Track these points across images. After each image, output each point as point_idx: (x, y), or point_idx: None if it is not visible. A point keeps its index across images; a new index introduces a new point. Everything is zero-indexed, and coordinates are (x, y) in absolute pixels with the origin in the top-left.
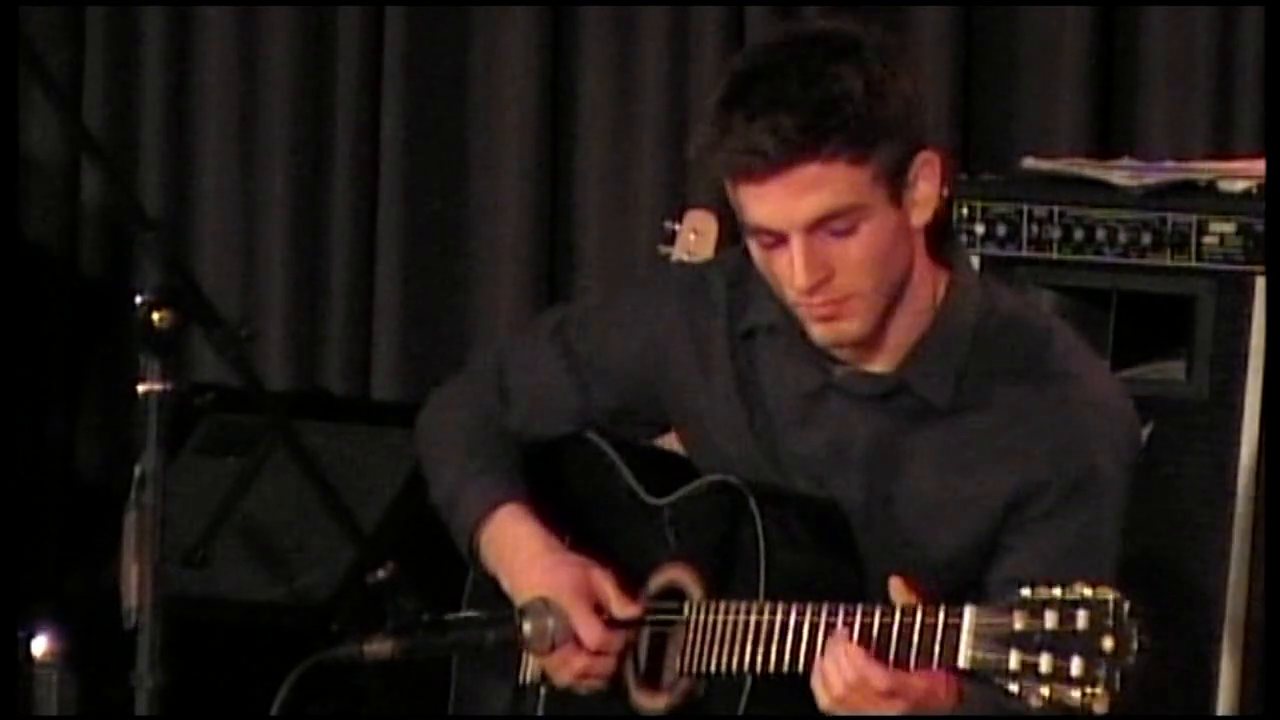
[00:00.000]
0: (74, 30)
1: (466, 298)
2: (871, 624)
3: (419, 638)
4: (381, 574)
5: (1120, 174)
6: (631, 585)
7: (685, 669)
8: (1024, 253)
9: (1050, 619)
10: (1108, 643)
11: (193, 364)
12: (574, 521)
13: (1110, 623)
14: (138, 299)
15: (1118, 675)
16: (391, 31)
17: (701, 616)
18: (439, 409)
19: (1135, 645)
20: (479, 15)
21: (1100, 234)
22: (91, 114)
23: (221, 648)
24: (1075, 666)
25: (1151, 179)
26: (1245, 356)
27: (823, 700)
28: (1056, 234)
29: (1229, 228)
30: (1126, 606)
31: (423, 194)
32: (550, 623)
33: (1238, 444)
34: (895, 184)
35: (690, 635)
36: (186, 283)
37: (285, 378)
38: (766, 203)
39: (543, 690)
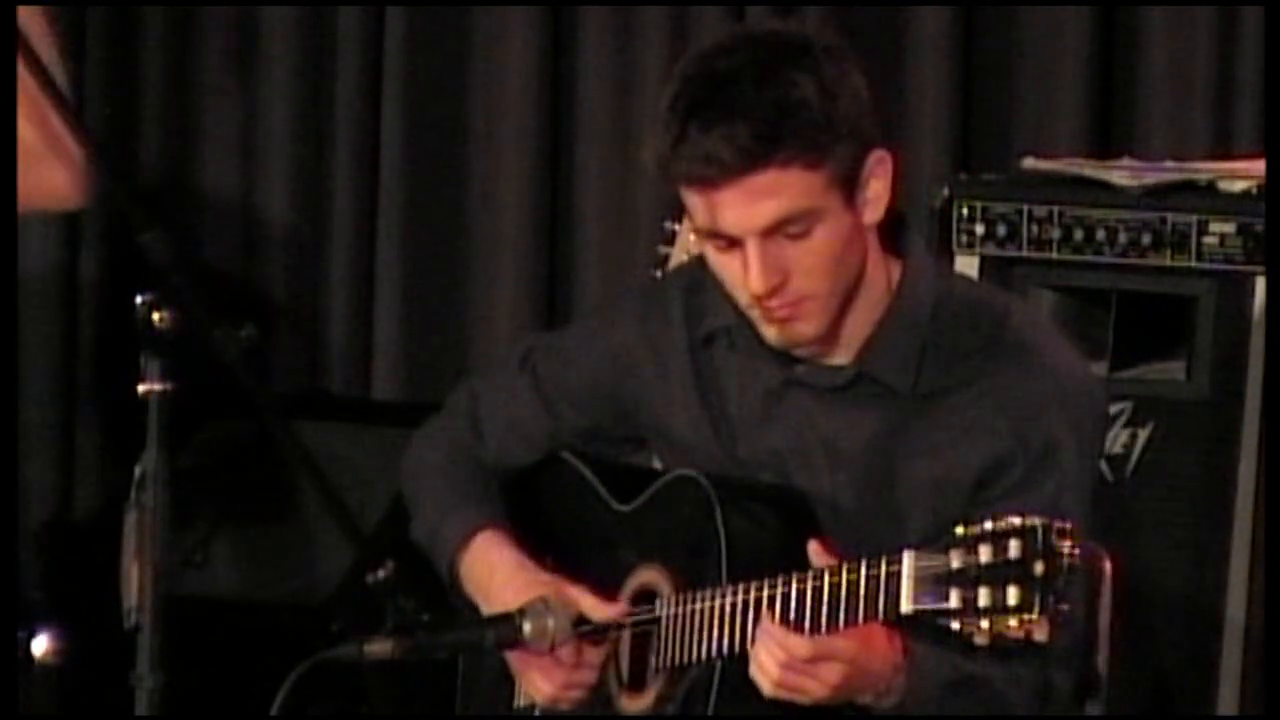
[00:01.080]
0: (74, 29)
1: (467, 298)
2: (821, 587)
3: (419, 638)
4: (381, 574)
5: (1120, 174)
6: (612, 594)
7: (661, 666)
8: (1024, 253)
9: (985, 553)
10: (1039, 567)
11: (193, 364)
12: (555, 541)
13: (1040, 547)
14: (138, 299)
15: (1052, 599)
16: (392, 31)
17: (672, 611)
18: (417, 449)
19: (1066, 565)
20: (479, 16)
21: (1100, 234)
22: (91, 113)
23: (221, 648)
24: (1012, 595)
25: (1151, 179)
26: (1245, 357)
27: (766, 690)
28: (1056, 234)
29: (1229, 228)
30: (1055, 529)
31: (423, 194)
32: (551, 622)
33: (1238, 444)
34: (849, 186)
35: (664, 632)
36: (187, 283)
37: (286, 378)
38: (723, 209)
39: (538, 712)
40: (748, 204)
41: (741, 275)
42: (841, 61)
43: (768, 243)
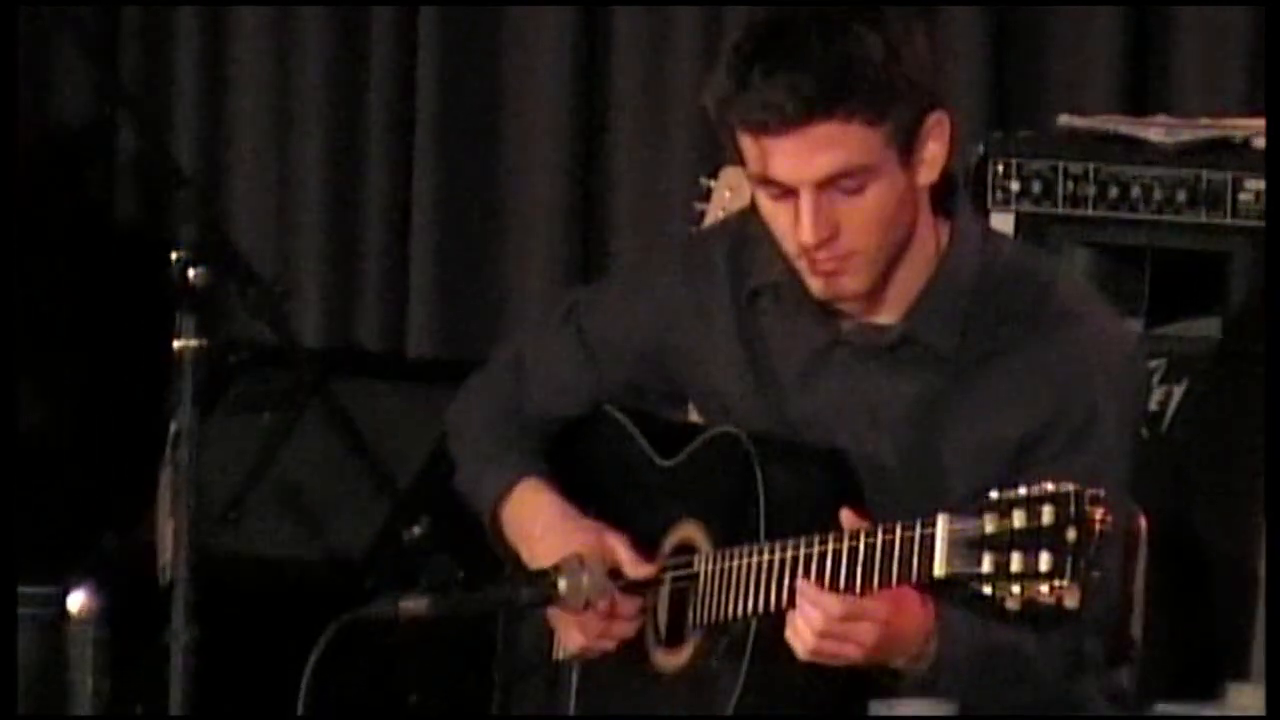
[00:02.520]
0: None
1: (501, 254)
2: (857, 548)
3: (454, 595)
4: (416, 531)
5: (1155, 131)
6: (653, 548)
7: (698, 622)
8: (1059, 210)
9: (1019, 518)
10: (1071, 534)
11: (228, 320)
12: (597, 494)
13: (1073, 514)
14: (173, 255)
15: (1083, 565)
16: None
17: (710, 567)
18: (462, 403)
19: (1098, 532)
20: None
21: (1135, 191)
22: (127, 70)
23: (255, 605)
24: (1044, 562)
25: (1186, 136)
26: None
27: (801, 654)
28: (1092, 191)
29: (1263, 184)
30: (1088, 496)
31: (458, 152)
32: (585, 580)
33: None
34: (906, 145)
35: (701, 588)
36: (222, 239)
37: (320, 334)
38: (781, 157)
39: (576, 665)
40: (806, 154)
41: (792, 225)
42: (908, 21)
43: (821, 195)
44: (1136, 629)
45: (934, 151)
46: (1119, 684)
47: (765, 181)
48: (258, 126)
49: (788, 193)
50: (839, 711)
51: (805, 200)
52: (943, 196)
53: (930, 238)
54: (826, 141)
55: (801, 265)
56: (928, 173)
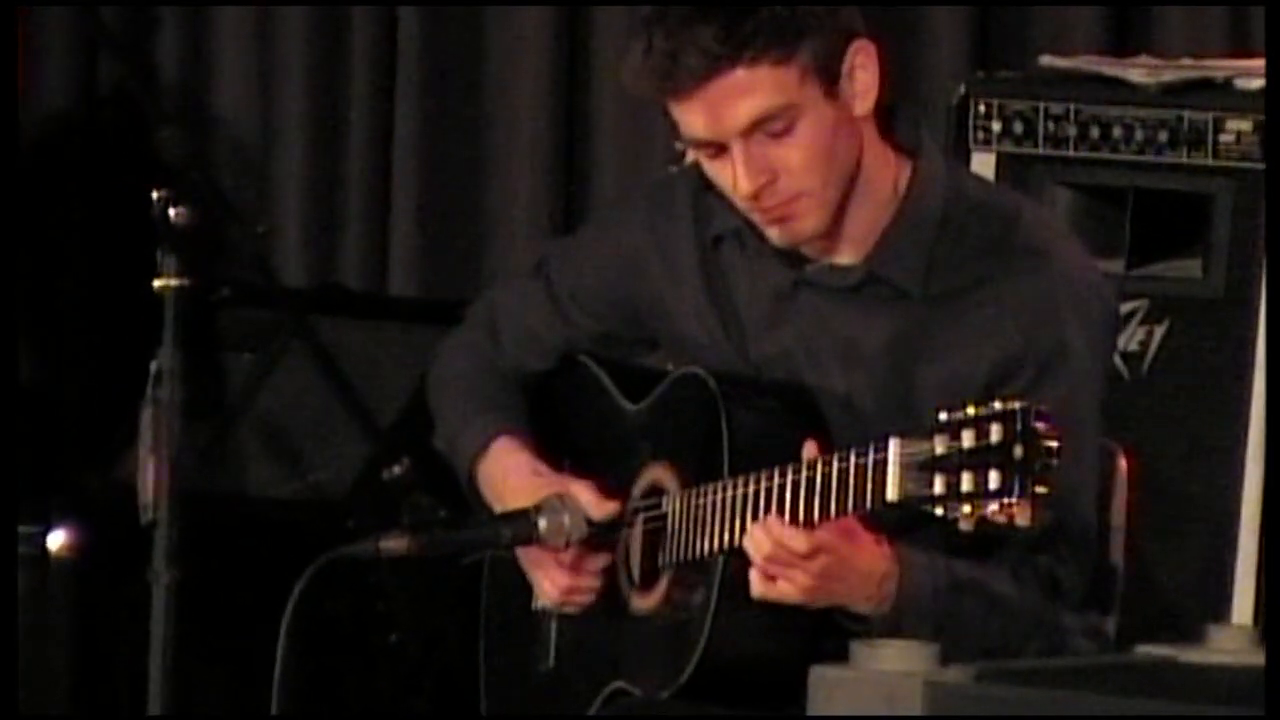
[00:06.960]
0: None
1: (483, 192)
2: (814, 477)
3: (434, 534)
4: (397, 470)
5: (1137, 71)
6: (625, 493)
7: (668, 562)
8: (1041, 150)
9: (967, 438)
10: (1019, 451)
11: (210, 259)
12: (572, 442)
13: (1019, 430)
14: (156, 194)
15: (1031, 482)
16: None
17: (677, 507)
18: (440, 360)
19: (1044, 448)
20: None
21: (1117, 132)
22: (109, 7)
23: (237, 543)
24: (993, 480)
25: (1168, 76)
26: (1260, 254)
27: (756, 588)
28: (1073, 132)
29: (1246, 125)
30: (1035, 413)
31: (440, 89)
32: (566, 519)
33: (1253, 341)
34: (827, 78)
35: (670, 528)
36: (204, 178)
37: (302, 273)
38: (698, 115)
39: (555, 615)
40: (722, 107)
41: (731, 180)
42: None
43: (750, 143)
44: (1117, 561)
45: (864, 81)
46: (1095, 622)
47: (698, 143)
48: (240, 64)
49: (721, 149)
50: (809, 649)
51: (735, 152)
52: (895, 131)
53: (888, 175)
54: (737, 90)
55: (755, 217)
56: (862, 103)
